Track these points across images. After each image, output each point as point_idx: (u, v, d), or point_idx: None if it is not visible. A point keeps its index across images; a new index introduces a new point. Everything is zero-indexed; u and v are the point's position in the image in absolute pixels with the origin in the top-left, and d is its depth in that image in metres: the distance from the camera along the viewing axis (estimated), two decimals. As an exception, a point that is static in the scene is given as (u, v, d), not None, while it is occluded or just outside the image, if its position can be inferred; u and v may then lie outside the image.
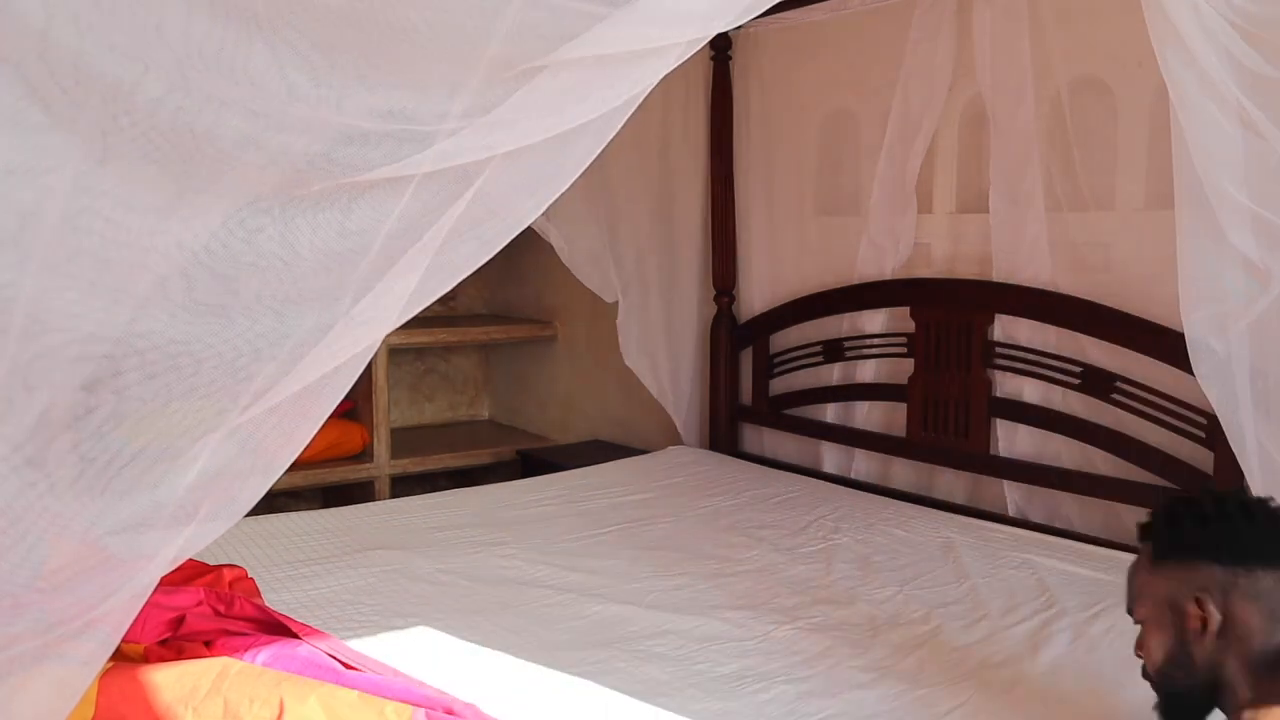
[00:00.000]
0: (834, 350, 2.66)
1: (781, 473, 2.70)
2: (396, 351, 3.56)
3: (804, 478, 2.63)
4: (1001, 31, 2.23)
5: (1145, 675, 1.25)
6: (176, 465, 0.66)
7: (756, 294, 2.94)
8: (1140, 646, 1.25)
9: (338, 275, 0.66)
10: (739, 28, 2.56)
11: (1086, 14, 2.13)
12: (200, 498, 0.68)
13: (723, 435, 2.99)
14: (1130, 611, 1.26)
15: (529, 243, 2.94)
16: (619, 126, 0.79)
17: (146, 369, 0.62)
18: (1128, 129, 2.11)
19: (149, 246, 0.61)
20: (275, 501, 3.21)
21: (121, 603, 0.70)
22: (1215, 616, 1.16)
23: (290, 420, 0.71)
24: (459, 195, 0.68)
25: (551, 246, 3.09)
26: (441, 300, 3.17)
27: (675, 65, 0.77)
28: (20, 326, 0.59)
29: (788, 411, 2.81)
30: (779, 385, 2.86)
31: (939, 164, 2.46)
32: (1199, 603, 1.16)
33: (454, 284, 0.76)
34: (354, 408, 3.33)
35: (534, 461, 3.35)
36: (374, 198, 0.65)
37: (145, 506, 0.65)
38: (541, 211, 0.79)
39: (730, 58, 2.86)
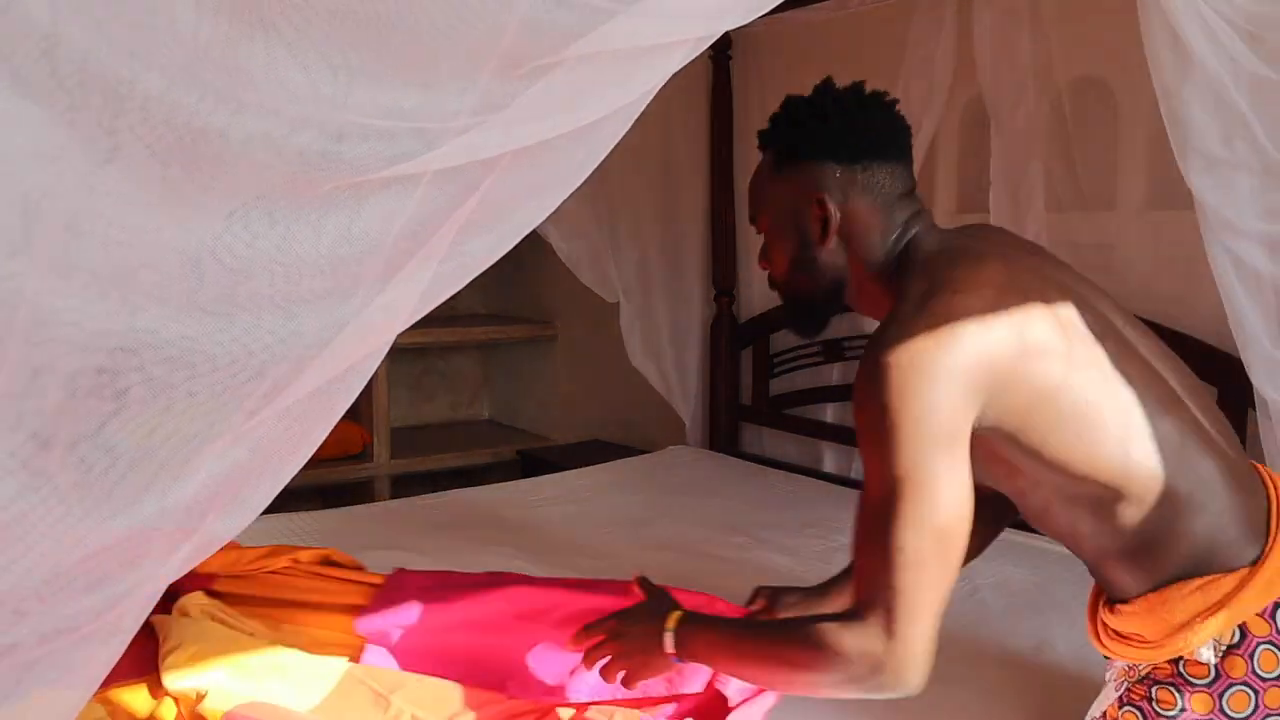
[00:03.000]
0: (834, 350, 2.66)
1: (781, 473, 2.69)
2: (396, 351, 3.54)
3: (804, 478, 2.62)
4: (1002, 31, 2.23)
5: (771, 285, 1.27)
6: (183, 469, 0.65)
7: (756, 294, 2.93)
8: (763, 257, 1.26)
9: (347, 275, 0.66)
10: (739, 28, 2.56)
11: (1087, 14, 2.13)
12: (208, 502, 0.67)
13: (723, 435, 2.98)
14: (753, 219, 1.26)
15: (529, 243, 2.92)
16: (630, 124, 0.78)
17: (151, 371, 0.62)
18: (1128, 129, 2.10)
19: (153, 246, 0.61)
20: (275, 501, 3.20)
21: (127, 608, 0.69)
22: (835, 215, 1.17)
23: (300, 423, 0.70)
24: (470, 193, 0.68)
25: (552, 246, 3.09)
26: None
27: (684, 63, 0.76)
28: (23, 328, 0.58)
29: (788, 411, 2.81)
30: (779, 385, 2.86)
31: (939, 164, 2.46)
32: (819, 204, 1.17)
33: (466, 282, 0.76)
34: (354, 408, 3.32)
35: (534, 461, 3.35)
36: (383, 197, 0.65)
37: (151, 511, 0.64)
38: (554, 208, 0.79)
39: (730, 58, 2.85)
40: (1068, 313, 1.08)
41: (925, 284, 1.08)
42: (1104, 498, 1.04)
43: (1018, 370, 1.02)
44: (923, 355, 1.00)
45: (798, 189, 1.19)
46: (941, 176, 2.46)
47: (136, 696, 1.31)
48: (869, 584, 1.00)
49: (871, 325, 1.15)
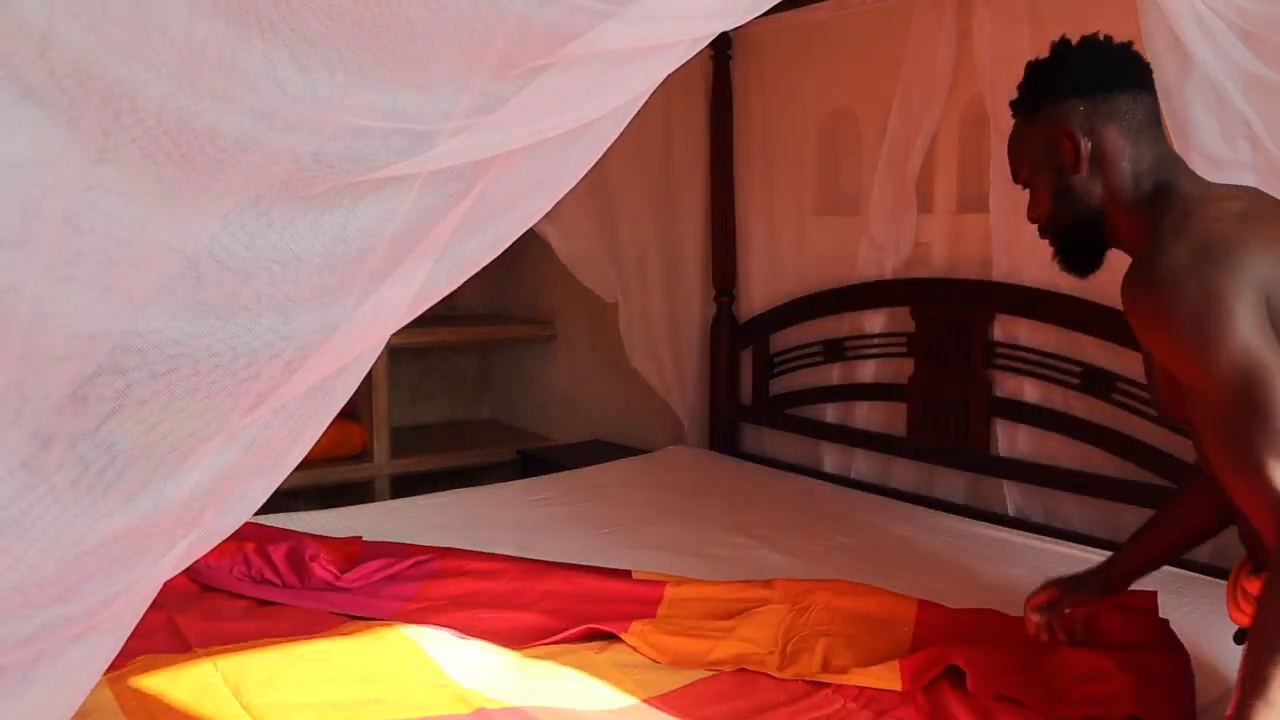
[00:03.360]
0: (834, 350, 2.66)
1: (781, 472, 2.69)
2: (396, 351, 3.55)
3: (804, 478, 2.62)
4: (1002, 31, 2.23)
5: (1041, 234, 1.35)
6: (181, 467, 0.65)
7: (756, 294, 2.93)
8: (1031, 210, 1.34)
9: (342, 275, 0.66)
10: (739, 28, 2.56)
11: (1087, 14, 2.13)
12: (205, 500, 0.68)
13: (722, 435, 2.98)
14: (1015, 176, 1.34)
15: (529, 243, 2.93)
16: (624, 125, 0.79)
17: (149, 370, 0.62)
18: (1128, 129, 2.10)
19: (151, 246, 0.61)
20: (275, 501, 3.18)
21: (125, 606, 0.69)
22: (1085, 144, 1.24)
23: (296, 421, 0.71)
24: (464, 194, 0.68)
25: (552, 246, 3.09)
26: (441, 300, 3.16)
27: (680, 64, 0.77)
28: (22, 327, 0.59)
29: (788, 411, 2.81)
30: (779, 385, 2.86)
31: (939, 164, 2.46)
32: (1068, 136, 1.25)
33: (460, 283, 0.76)
34: (354, 408, 3.33)
35: (534, 461, 3.35)
36: (378, 197, 0.65)
37: (149, 509, 0.65)
38: (548, 209, 0.79)
39: (730, 58, 2.86)
40: None
41: (1182, 214, 1.16)
42: None
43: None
44: (1210, 262, 1.08)
45: (1048, 130, 1.27)
46: (941, 176, 2.46)
47: (157, 679, 1.33)
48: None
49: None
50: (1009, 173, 2.23)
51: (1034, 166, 1.31)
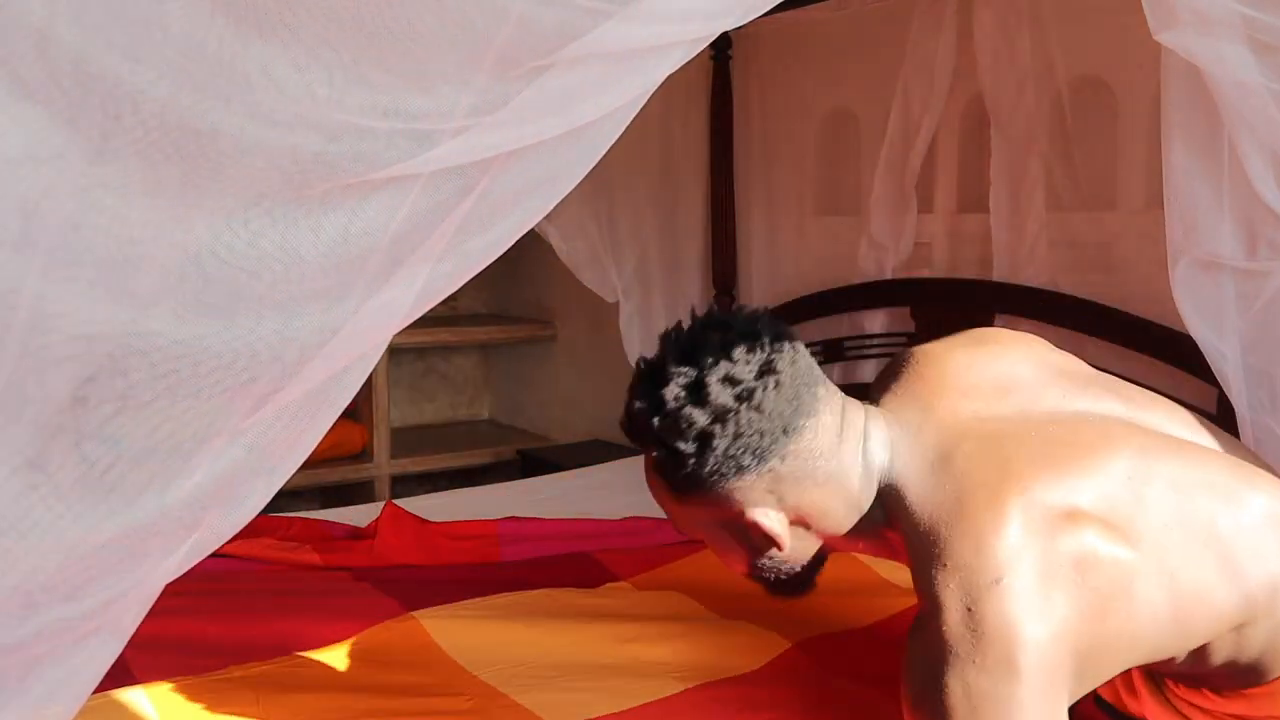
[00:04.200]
0: (834, 350, 2.66)
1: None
2: (396, 351, 3.56)
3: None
4: (1002, 31, 2.23)
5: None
6: (182, 469, 0.65)
7: (756, 294, 2.93)
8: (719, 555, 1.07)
9: (343, 276, 0.66)
10: (739, 28, 2.56)
11: (1087, 14, 2.13)
12: (206, 501, 0.68)
13: (723, 435, 2.98)
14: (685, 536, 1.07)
15: (529, 243, 2.93)
16: (626, 124, 0.79)
17: (150, 370, 0.62)
18: (1128, 129, 2.10)
19: (152, 246, 0.61)
20: (275, 502, 3.18)
21: (127, 607, 0.69)
22: (779, 532, 0.97)
23: (298, 421, 0.71)
24: (466, 194, 0.68)
25: (552, 246, 3.09)
26: (442, 300, 3.16)
27: (681, 64, 0.77)
28: (22, 327, 0.59)
29: (788, 411, 2.81)
30: (779, 385, 2.86)
31: (939, 164, 2.46)
32: (752, 526, 0.97)
33: (461, 284, 0.76)
34: (354, 408, 3.33)
35: (534, 461, 3.35)
36: (379, 198, 0.65)
37: (150, 510, 0.65)
38: (549, 209, 0.79)
39: (730, 57, 2.86)
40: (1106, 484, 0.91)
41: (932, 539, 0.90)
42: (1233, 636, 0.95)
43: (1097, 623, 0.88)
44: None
45: (718, 513, 0.99)
46: (941, 176, 2.46)
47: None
48: None
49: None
50: (1009, 172, 2.25)
51: (711, 539, 1.04)
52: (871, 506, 0.99)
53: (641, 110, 0.81)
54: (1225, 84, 1.36)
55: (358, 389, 0.76)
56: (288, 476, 0.76)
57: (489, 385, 4.18)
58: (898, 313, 2.52)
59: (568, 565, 1.82)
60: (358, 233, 0.64)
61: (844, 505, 0.98)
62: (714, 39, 0.84)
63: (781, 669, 1.41)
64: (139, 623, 0.73)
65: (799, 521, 0.99)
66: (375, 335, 0.74)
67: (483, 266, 0.78)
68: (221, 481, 0.68)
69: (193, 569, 0.71)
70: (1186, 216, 1.38)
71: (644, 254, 3.09)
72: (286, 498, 3.34)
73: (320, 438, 0.76)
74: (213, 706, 1.31)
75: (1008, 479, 0.89)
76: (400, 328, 0.77)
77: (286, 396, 0.67)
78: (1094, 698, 1.12)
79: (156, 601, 0.72)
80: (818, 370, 1.02)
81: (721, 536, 1.03)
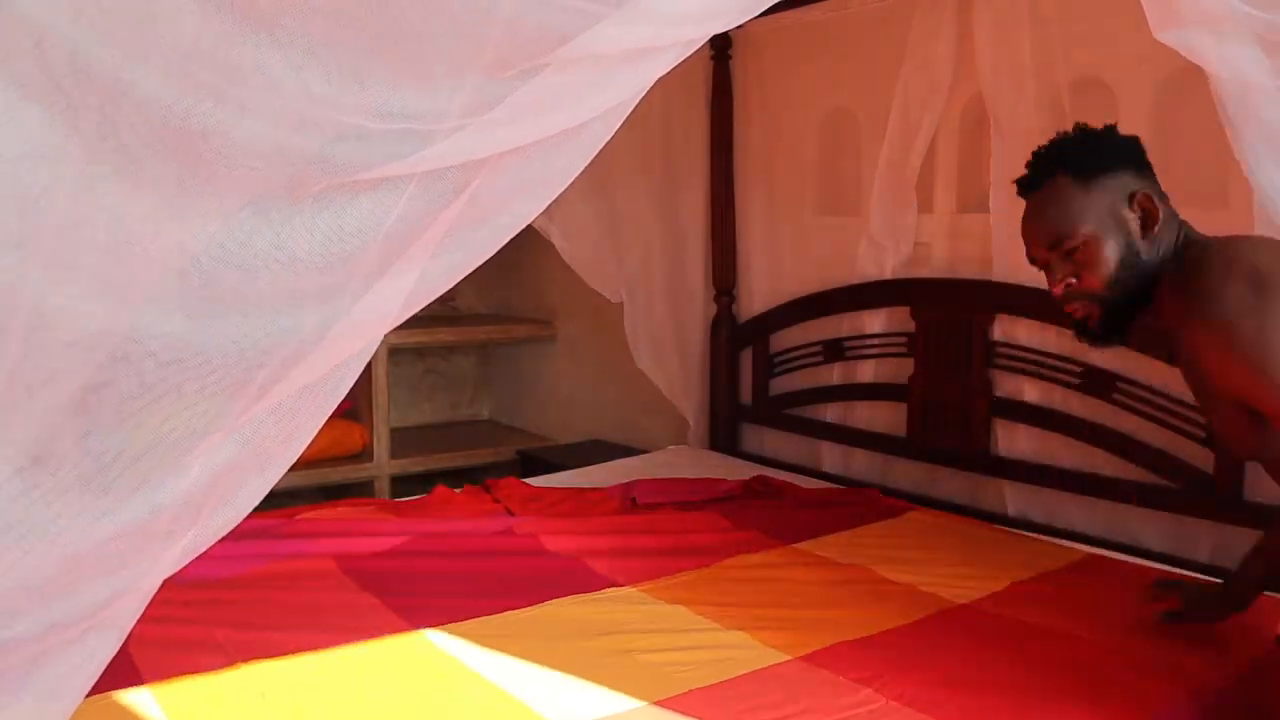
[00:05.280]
0: (834, 350, 2.66)
1: (782, 472, 2.69)
2: (396, 351, 3.56)
3: (804, 478, 2.62)
4: (1002, 31, 2.23)
5: (1067, 301, 1.35)
6: (180, 465, 0.66)
7: (756, 294, 2.93)
8: (1066, 276, 1.34)
9: (337, 274, 0.66)
10: (739, 28, 2.56)
11: (1087, 14, 2.13)
12: (203, 498, 0.68)
13: (723, 435, 2.98)
14: (1065, 239, 1.33)
15: (529, 242, 2.94)
16: (617, 126, 0.79)
17: (149, 369, 0.62)
18: (1128, 128, 2.09)
19: (151, 246, 0.61)
20: (275, 501, 3.21)
21: (126, 603, 0.70)
22: (1161, 209, 1.31)
23: (292, 419, 0.71)
24: (458, 194, 0.68)
25: (552, 246, 3.09)
26: (441, 300, 3.17)
27: (672, 66, 0.77)
28: (23, 326, 0.59)
29: (788, 411, 2.81)
30: (779, 385, 2.86)
31: (939, 164, 2.46)
32: (1145, 200, 1.31)
33: (453, 283, 0.76)
34: (353, 407, 3.33)
35: (534, 461, 3.35)
36: (373, 197, 0.65)
37: (149, 507, 0.65)
38: (540, 211, 0.79)
39: (730, 58, 2.86)
40: None
41: (1221, 259, 1.24)
42: None
43: None
44: (1269, 296, 1.17)
45: (1116, 194, 1.32)
46: (941, 176, 2.46)
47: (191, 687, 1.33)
48: None
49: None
50: (1009, 172, 2.24)
51: (1100, 227, 1.32)
52: (1171, 252, 1.33)
53: (642, 110, 0.81)
54: (1230, 83, 1.37)
55: (351, 385, 0.76)
56: (283, 472, 0.76)
57: (488, 385, 4.18)
58: (898, 312, 2.52)
59: (569, 576, 1.84)
60: (352, 231, 0.65)
61: (1170, 235, 1.34)
62: (713, 40, 0.84)
63: (783, 674, 1.43)
64: (138, 618, 0.73)
65: (1154, 223, 1.32)
66: (369, 332, 0.75)
67: (474, 266, 0.78)
68: (218, 478, 0.68)
69: (202, 576, 0.71)
70: None
71: (647, 254, 3.09)
72: (286, 497, 3.34)
73: (315, 433, 0.76)
74: (219, 707, 1.32)
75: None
76: (393, 326, 0.77)
77: (282, 393, 0.68)
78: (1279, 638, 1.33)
79: (164, 607, 0.72)
80: None
81: (1105, 226, 1.32)
